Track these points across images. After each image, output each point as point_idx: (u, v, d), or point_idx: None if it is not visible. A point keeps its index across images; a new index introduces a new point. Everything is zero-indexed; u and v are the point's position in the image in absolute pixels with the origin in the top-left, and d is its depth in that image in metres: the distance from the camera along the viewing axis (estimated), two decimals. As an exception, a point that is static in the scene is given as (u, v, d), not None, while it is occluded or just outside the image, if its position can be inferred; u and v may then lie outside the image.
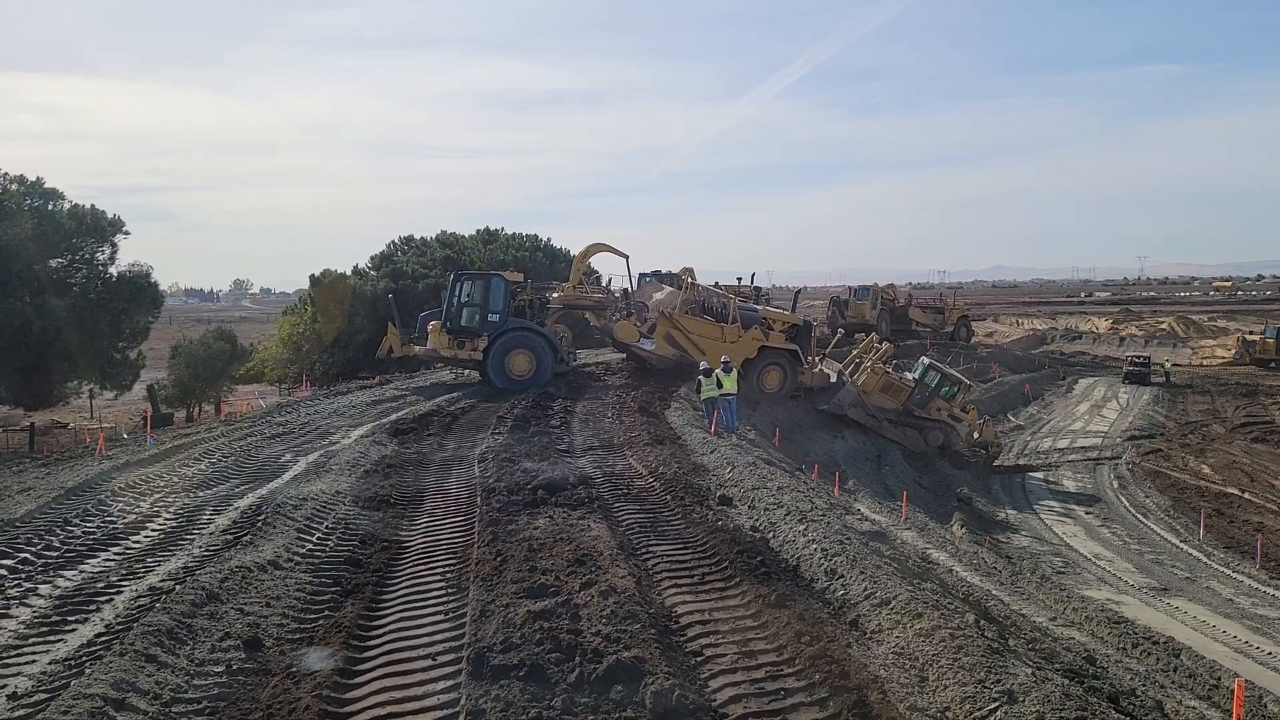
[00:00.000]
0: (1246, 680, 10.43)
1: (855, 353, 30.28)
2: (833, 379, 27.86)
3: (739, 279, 39.14)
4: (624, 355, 28.25)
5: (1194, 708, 10.13)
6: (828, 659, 6.53)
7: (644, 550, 9.31)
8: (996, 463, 30.19)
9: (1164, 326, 77.79)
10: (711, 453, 14.91)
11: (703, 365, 20.26)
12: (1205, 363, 59.06)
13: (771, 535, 10.13)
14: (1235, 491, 26.40)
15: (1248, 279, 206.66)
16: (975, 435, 29.41)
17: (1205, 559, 20.33)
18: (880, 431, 27.99)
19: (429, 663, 6.62)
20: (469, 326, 23.36)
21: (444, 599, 7.89)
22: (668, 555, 9.16)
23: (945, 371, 29.85)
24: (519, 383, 22.84)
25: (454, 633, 7.09)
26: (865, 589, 8.11)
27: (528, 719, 5.63)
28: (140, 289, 35.44)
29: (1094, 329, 78.73)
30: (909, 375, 29.25)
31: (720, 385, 18.74)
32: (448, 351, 23.58)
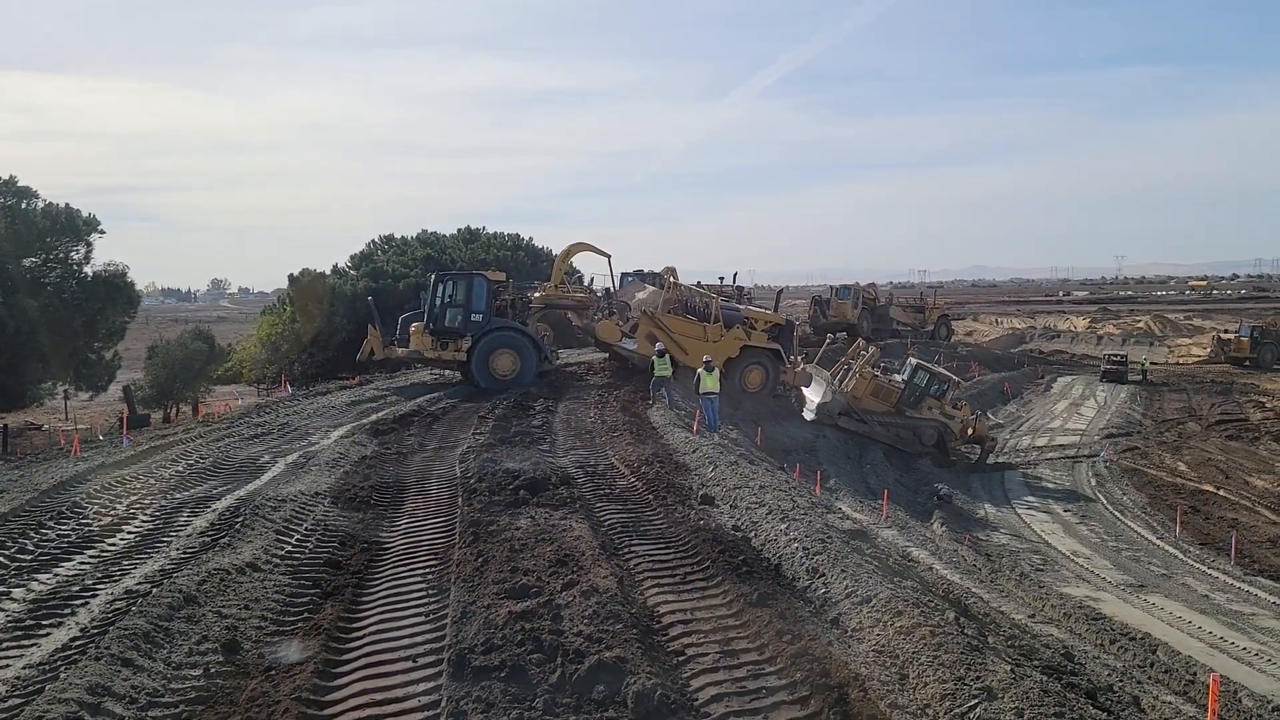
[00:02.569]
0: (1222, 675, 10.53)
1: (844, 359, 30.39)
2: (822, 393, 27.88)
3: (721, 278, 39.21)
4: (606, 355, 28.23)
5: (1170, 703, 10.22)
6: (809, 657, 6.55)
7: (626, 550, 9.31)
8: (991, 459, 30.37)
9: (1141, 325, 78.51)
10: (693, 452, 14.92)
11: (659, 346, 21.25)
12: (1181, 361, 59.67)
13: (753, 534, 10.15)
14: (1210, 488, 26.67)
15: (1222, 278, 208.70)
16: (969, 431, 29.66)
17: (1181, 555, 20.53)
18: (874, 436, 28.16)
19: (410, 664, 6.59)
20: (452, 327, 23.26)
21: (425, 600, 7.86)
22: (650, 555, 9.16)
23: (934, 370, 30.06)
24: (503, 382, 22.79)
25: (435, 634, 7.06)
26: (846, 587, 8.14)
27: (509, 720, 5.61)
28: (116, 288, 35.04)
29: (1072, 328, 79.38)
30: (898, 377, 29.41)
31: (686, 376, 19.96)
32: (431, 353, 23.46)
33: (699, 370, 19.13)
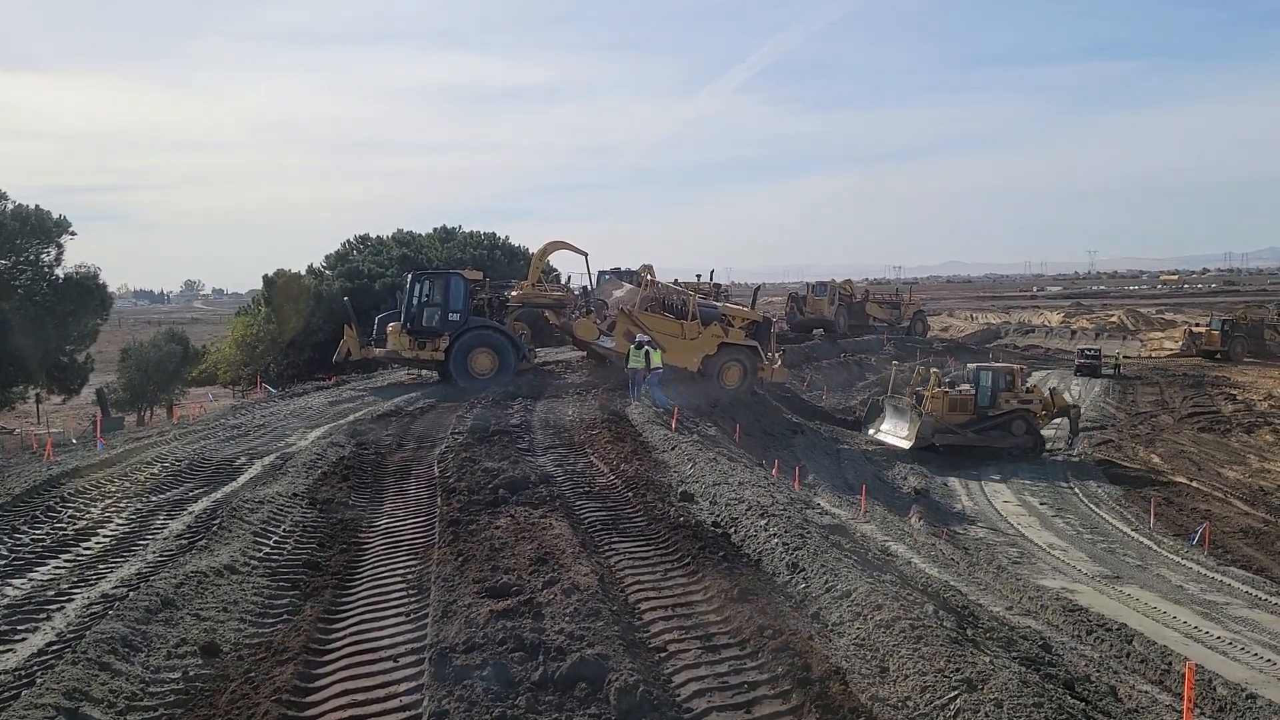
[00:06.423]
0: (1196, 664, 10.69)
1: (909, 391, 31.62)
2: (909, 421, 29.53)
3: (698, 276, 39.26)
4: (584, 353, 28.21)
5: (1146, 691, 10.37)
6: (790, 652, 6.58)
7: (606, 547, 9.32)
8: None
9: (1114, 319, 79.31)
10: (673, 449, 14.94)
11: (639, 338, 22.07)
12: (1153, 354, 60.33)
13: (733, 530, 10.18)
14: (1183, 480, 27.00)
15: (1193, 272, 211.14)
16: (1052, 406, 31.08)
17: (1155, 547, 20.77)
18: (970, 444, 29.73)
19: (391, 664, 6.56)
20: (429, 326, 23.19)
21: (405, 600, 7.83)
22: (630, 552, 9.17)
23: (993, 367, 32.00)
24: (481, 381, 22.75)
25: (416, 634, 7.03)
26: (826, 582, 8.18)
27: (491, 719, 5.60)
28: (88, 291, 34.69)
29: (1046, 322, 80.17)
30: (965, 386, 30.93)
31: (648, 361, 21.08)
32: (409, 353, 23.37)
33: (646, 349, 20.96)
